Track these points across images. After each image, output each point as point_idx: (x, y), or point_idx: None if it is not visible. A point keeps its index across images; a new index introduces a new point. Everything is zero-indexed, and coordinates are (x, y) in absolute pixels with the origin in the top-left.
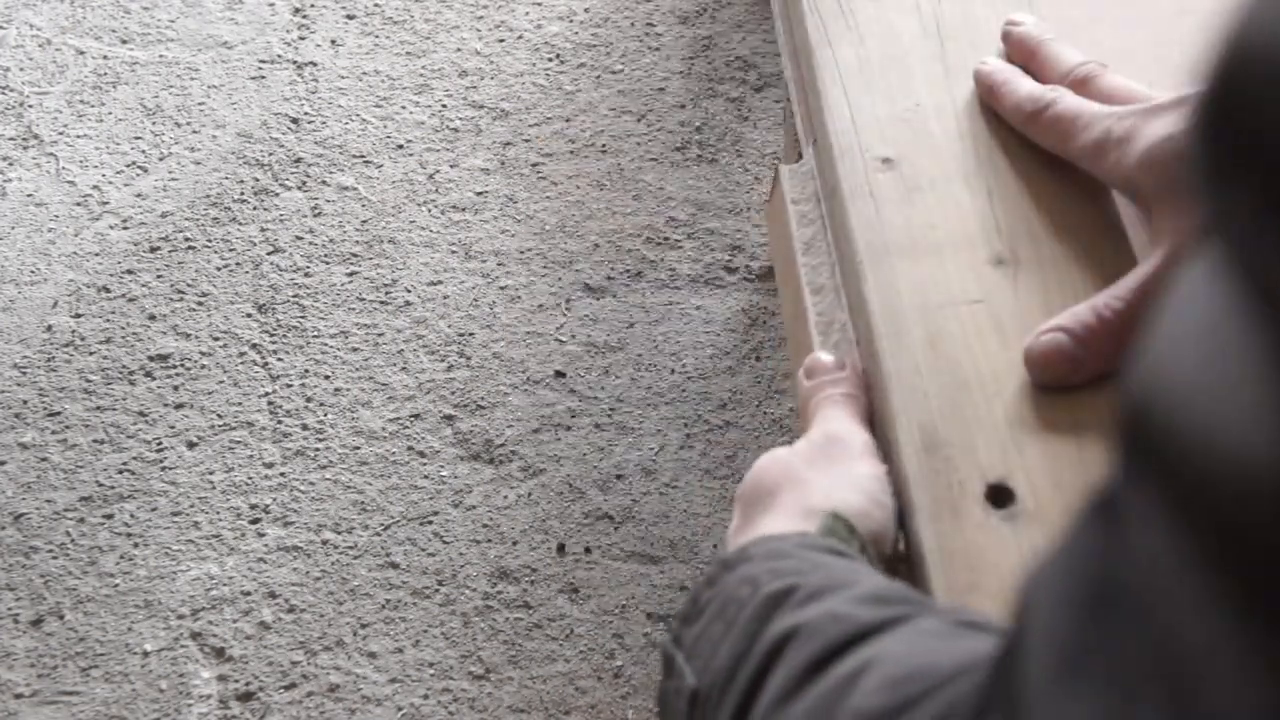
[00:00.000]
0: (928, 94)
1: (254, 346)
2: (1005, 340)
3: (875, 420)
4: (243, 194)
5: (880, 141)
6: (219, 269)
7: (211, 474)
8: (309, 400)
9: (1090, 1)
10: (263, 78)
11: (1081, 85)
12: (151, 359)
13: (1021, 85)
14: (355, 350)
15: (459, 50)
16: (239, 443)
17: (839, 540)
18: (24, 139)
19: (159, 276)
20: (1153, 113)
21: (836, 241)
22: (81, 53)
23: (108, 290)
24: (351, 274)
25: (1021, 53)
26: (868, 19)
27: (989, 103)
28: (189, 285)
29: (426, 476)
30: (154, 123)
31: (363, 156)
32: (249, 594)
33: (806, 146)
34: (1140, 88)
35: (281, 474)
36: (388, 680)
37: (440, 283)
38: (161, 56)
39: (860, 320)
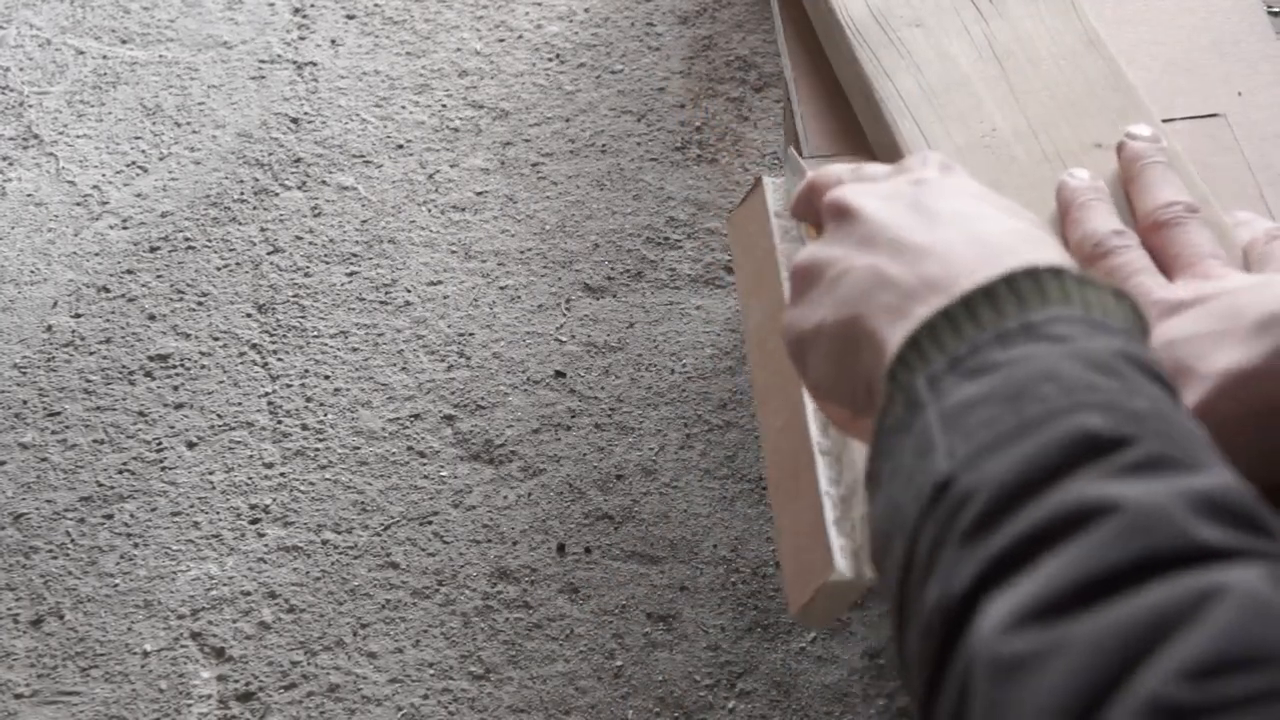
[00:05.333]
0: (1001, 117)
1: (254, 346)
2: None
3: None
4: (243, 194)
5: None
6: (219, 269)
7: (211, 474)
8: (309, 400)
9: (1090, 1)
10: (263, 78)
11: (1156, 231)
12: (151, 359)
13: (1090, 218)
14: (355, 350)
15: (459, 50)
16: (239, 443)
17: (1143, 343)
18: (24, 139)
19: (159, 276)
20: (1173, 310)
21: None
22: (81, 53)
23: (108, 290)
24: (351, 274)
25: (1126, 173)
26: (919, 47)
27: (1061, 224)
28: (189, 285)
29: (426, 476)
30: (154, 123)
31: (363, 156)
32: (249, 594)
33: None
34: (1214, 251)
35: (281, 474)
36: (388, 680)
37: (440, 283)
38: (161, 56)
39: None
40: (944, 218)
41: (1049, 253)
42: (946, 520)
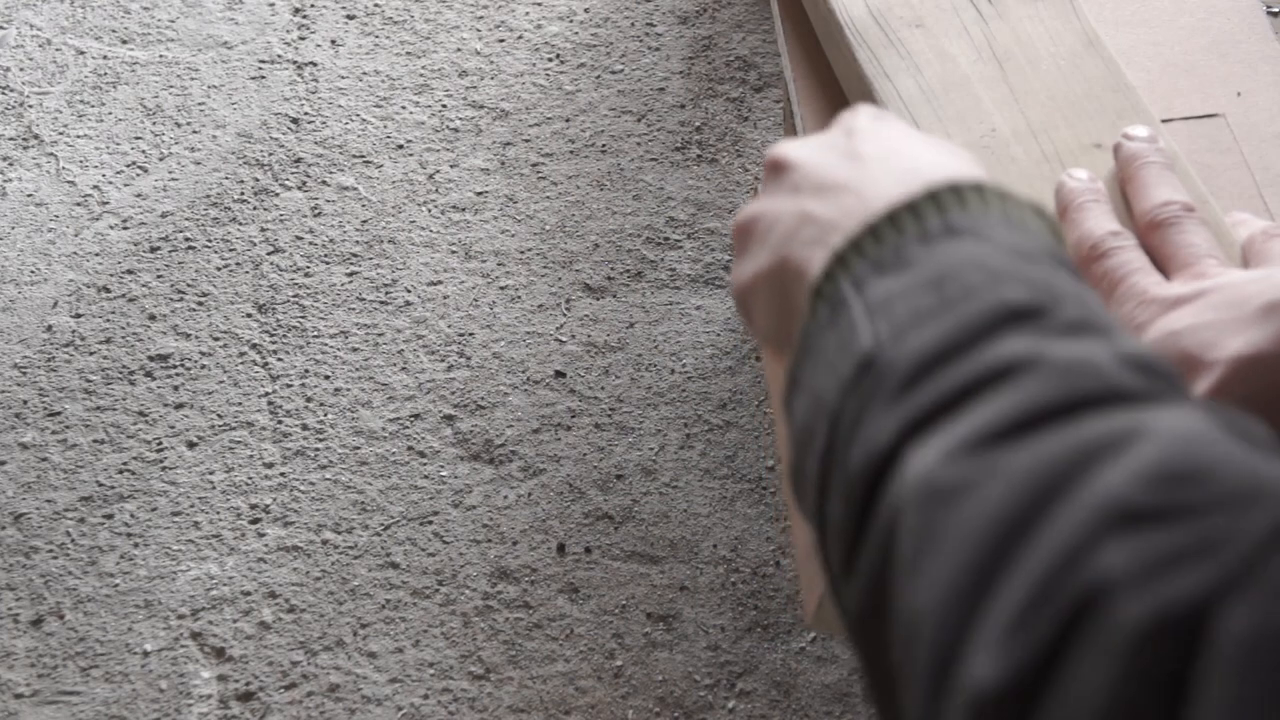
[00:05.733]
0: (1001, 118)
1: (254, 346)
2: None
3: None
4: (243, 194)
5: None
6: (219, 269)
7: (211, 474)
8: (309, 400)
9: (1091, 1)
10: (263, 78)
11: (1154, 230)
12: (151, 359)
13: (1087, 219)
14: (355, 350)
15: (459, 50)
16: (239, 443)
17: (1059, 246)
18: (24, 139)
19: (159, 276)
20: (1173, 305)
21: None
22: (81, 53)
23: (108, 290)
24: (351, 274)
25: (1123, 173)
26: (919, 49)
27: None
28: (189, 285)
29: (426, 476)
30: (154, 123)
31: (363, 156)
32: (249, 594)
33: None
34: (1210, 250)
35: (281, 474)
36: (388, 680)
37: (440, 283)
38: (161, 56)
39: None
40: (869, 156)
41: (974, 171)
42: (870, 391)
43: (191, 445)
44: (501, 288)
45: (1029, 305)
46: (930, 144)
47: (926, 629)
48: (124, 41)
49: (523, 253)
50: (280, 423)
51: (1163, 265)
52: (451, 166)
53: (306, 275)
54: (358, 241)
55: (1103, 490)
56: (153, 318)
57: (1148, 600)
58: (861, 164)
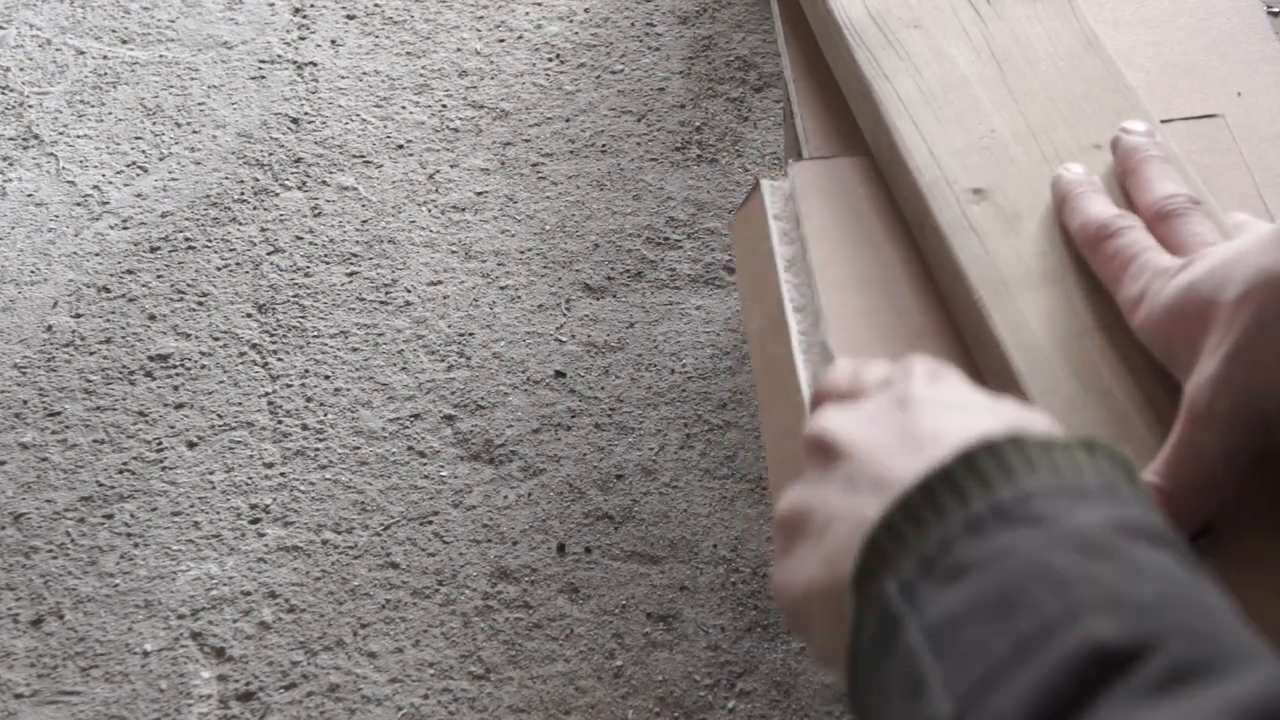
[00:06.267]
0: (1000, 119)
1: (254, 346)
2: (1152, 359)
3: None
4: (243, 194)
5: (965, 172)
6: (219, 269)
7: (211, 474)
8: (309, 400)
9: (1091, 2)
10: (263, 78)
11: (1161, 221)
12: (151, 359)
13: (1091, 204)
14: (355, 350)
15: (459, 50)
16: (239, 443)
17: (1134, 493)
18: (24, 139)
19: (159, 276)
20: (1184, 266)
21: (938, 277)
22: (81, 53)
23: (108, 290)
24: (351, 274)
25: (1123, 166)
26: (918, 49)
27: (1059, 215)
28: (189, 285)
29: (426, 476)
30: (154, 123)
31: (363, 156)
32: (249, 594)
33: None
34: (1217, 241)
35: (281, 474)
36: (388, 680)
37: (440, 283)
38: (161, 56)
39: (990, 359)
40: (931, 438)
41: (1016, 422)
42: None
43: (191, 445)
44: (501, 288)
45: (1121, 647)
46: (994, 407)
47: None
48: (124, 41)
49: (523, 253)
50: (280, 423)
51: (1171, 254)
52: (451, 166)
53: (306, 275)
54: (358, 241)
55: None
56: (153, 318)
57: None
58: (921, 452)
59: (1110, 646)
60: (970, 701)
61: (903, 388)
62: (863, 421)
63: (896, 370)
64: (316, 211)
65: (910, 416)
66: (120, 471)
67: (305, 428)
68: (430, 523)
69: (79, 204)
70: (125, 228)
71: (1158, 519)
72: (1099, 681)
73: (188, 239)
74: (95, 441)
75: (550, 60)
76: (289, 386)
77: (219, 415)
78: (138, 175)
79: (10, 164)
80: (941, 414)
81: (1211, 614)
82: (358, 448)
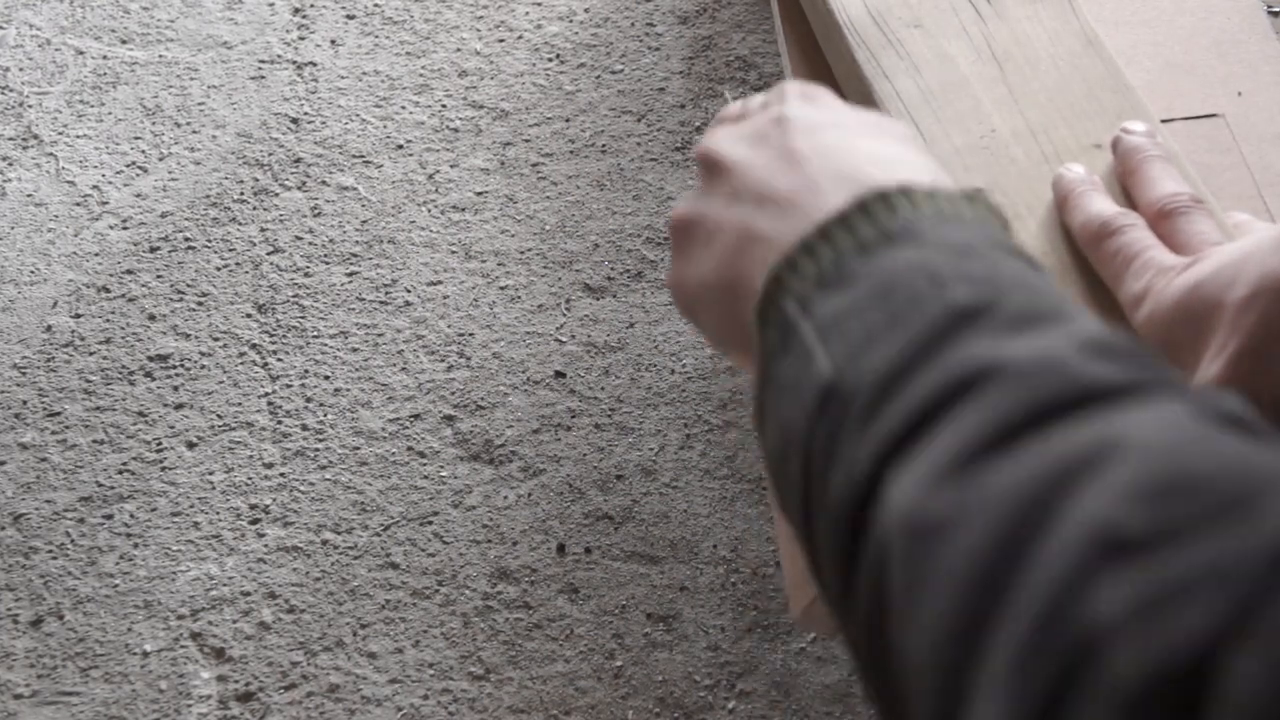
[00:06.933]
0: (1000, 119)
1: (254, 346)
2: None
3: None
4: (243, 194)
5: (966, 172)
6: (219, 269)
7: (211, 474)
8: (309, 400)
9: (1091, 1)
10: (263, 78)
11: (1164, 220)
12: (151, 359)
13: (1093, 202)
14: (355, 350)
15: (459, 50)
16: (239, 443)
17: (1012, 237)
18: (24, 139)
19: (159, 276)
20: (1189, 265)
21: None
22: (81, 53)
23: (108, 290)
24: (351, 274)
25: (1124, 166)
26: (918, 49)
27: (1060, 214)
28: (189, 285)
29: (426, 477)
30: (154, 123)
31: (363, 156)
32: (249, 594)
33: None
34: (1219, 240)
35: (281, 474)
36: (388, 680)
37: (440, 283)
38: (161, 56)
39: None
40: (805, 156)
41: (903, 172)
42: (837, 418)
43: (191, 445)
44: (501, 288)
45: (975, 304)
46: (865, 130)
47: (925, 678)
48: (124, 41)
49: (523, 253)
50: (280, 423)
51: (1173, 253)
52: (451, 166)
53: (306, 275)
54: (358, 241)
55: (1088, 516)
56: (152, 318)
57: (1146, 651)
58: (799, 168)
59: (965, 304)
60: (847, 362)
61: (778, 110)
62: (744, 141)
63: (773, 94)
64: (316, 211)
65: (786, 134)
66: (120, 472)
67: (305, 428)
68: (430, 523)
69: (78, 204)
70: (125, 228)
71: (1021, 247)
72: (957, 329)
73: (187, 239)
74: (95, 442)
75: (550, 60)
76: (289, 387)
77: (219, 415)
78: (137, 175)
79: (10, 164)
80: (814, 131)
81: (1055, 294)
82: (357, 448)
